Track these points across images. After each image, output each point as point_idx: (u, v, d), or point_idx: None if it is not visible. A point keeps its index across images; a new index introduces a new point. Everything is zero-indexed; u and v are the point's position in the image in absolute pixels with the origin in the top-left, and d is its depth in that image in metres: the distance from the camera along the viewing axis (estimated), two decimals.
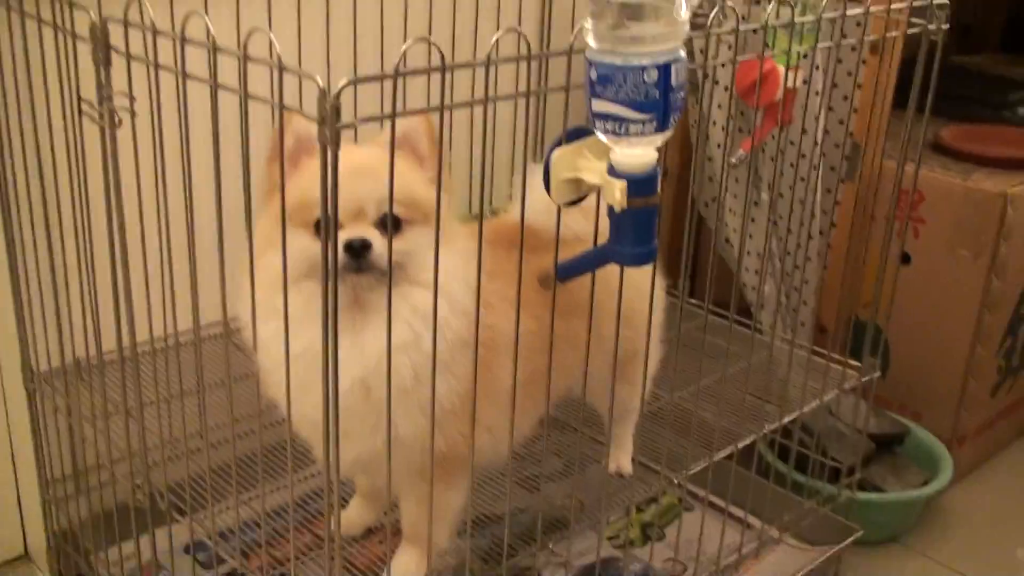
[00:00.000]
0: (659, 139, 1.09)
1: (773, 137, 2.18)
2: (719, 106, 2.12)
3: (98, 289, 1.47)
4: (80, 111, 1.27)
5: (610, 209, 1.14)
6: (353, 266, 1.16)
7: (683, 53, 1.06)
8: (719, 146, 2.17)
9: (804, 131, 2.13)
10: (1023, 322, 2.38)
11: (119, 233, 1.29)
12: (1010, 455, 2.59)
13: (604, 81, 1.06)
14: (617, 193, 1.10)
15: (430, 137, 1.22)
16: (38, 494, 1.89)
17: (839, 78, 2.15)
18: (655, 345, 1.63)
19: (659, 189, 1.13)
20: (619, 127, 1.07)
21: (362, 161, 1.17)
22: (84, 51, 1.22)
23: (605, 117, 1.08)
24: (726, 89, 2.10)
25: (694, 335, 2.03)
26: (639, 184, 1.11)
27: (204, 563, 1.84)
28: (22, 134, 1.53)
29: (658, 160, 1.12)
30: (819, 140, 2.15)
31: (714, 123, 2.12)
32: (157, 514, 1.52)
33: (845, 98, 2.15)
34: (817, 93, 2.10)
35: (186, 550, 1.83)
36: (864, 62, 2.11)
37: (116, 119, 1.22)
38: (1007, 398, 2.48)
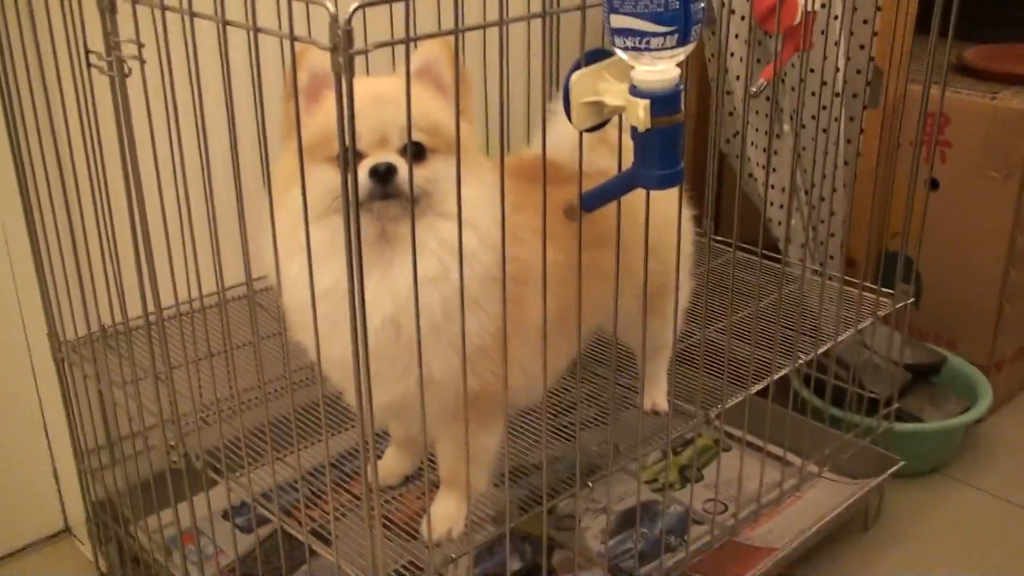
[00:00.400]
0: (681, 53, 1.06)
1: (793, 66, 2.14)
2: (736, 36, 2.08)
3: (119, 252, 1.46)
4: (88, 64, 1.25)
5: (634, 131, 1.11)
6: (379, 192, 1.14)
7: None
8: (738, 78, 2.13)
9: (824, 58, 2.08)
10: None
11: (136, 189, 1.27)
12: None
13: None
14: (640, 112, 1.07)
15: (452, 65, 1.19)
16: (74, 466, 1.89)
17: (858, 1, 2.10)
18: (685, 277, 1.60)
19: (683, 106, 1.10)
20: (640, 42, 1.04)
21: (383, 89, 1.15)
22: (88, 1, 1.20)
23: (625, 33, 1.05)
24: (743, 18, 2.06)
25: (722, 272, 2.01)
26: (663, 101, 1.08)
27: (243, 527, 1.84)
28: (32, 94, 1.51)
29: (680, 76, 1.09)
30: (840, 66, 2.10)
31: (732, 54, 2.08)
32: (194, 477, 1.52)
33: (865, 22, 2.10)
34: (836, 17, 2.05)
35: (224, 516, 1.82)
36: None
37: (125, 68, 1.20)
38: None
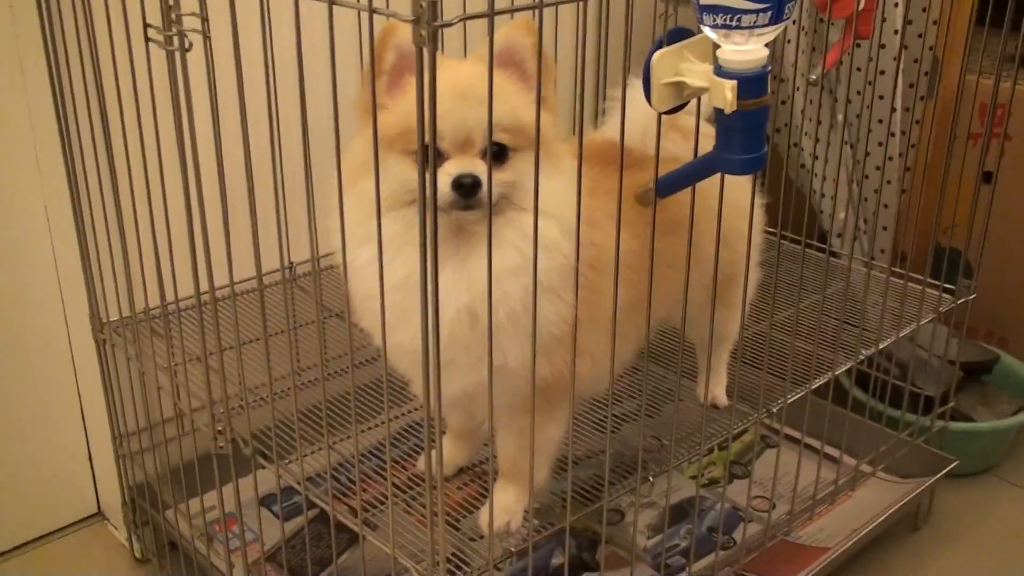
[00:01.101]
0: (771, 32, 1.02)
1: (850, 55, 2.09)
2: (793, 22, 2.02)
3: (171, 233, 1.42)
4: (147, 38, 1.21)
5: (718, 113, 1.06)
6: (461, 204, 1.11)
7: None
8: (793, 65, 2.08)
9: (882, 46, 2.03)
10: None
11: (194, 168, 1.23)
12: None
13: None
14: (728, 93, 1.02)
15: (534, 50, 1.14)
16: (110, 450, 1.86)
17: None
18: (754, 267, 1.56)
19: (769, 88, 1.06)
20: (731, 19, 1.00)
21: (468, 83, 1.10)
22: None
23: (715, 9, 1.00)
24: (800, 3, 2.01)
25: (781, 267, 1.96)
26: (750, 83, 1.03)
27: (278, 514, 1.81)
28: (83, 70, 1.47)
29: (768, 57, 1.04)
30: (899, 54, 2.05)
31: (788, 41, 2.03)
32: (237, 462, 1.48)
33: (924, 10, 2.05)
34: (896, 4, 2.00)
35: (261, 502, 1.79)
36: None
37: (187, 43, 1.15)
38: None
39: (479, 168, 1.11)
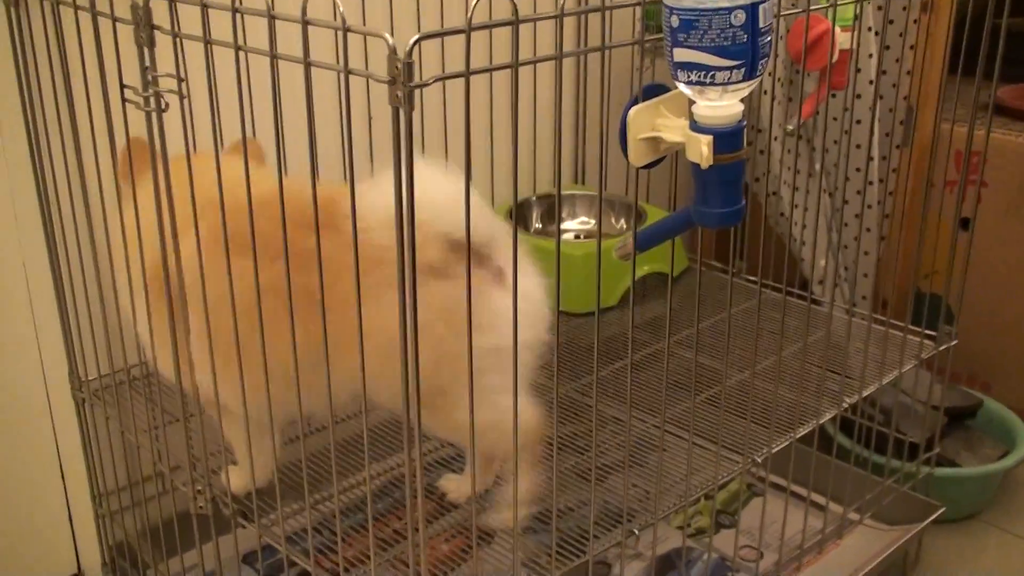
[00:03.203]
0: (746, 88, 1.03)
1: (825, 105, 2.12)
2: (769, 74, 2.05)
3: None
4: (124, 99, 1.21)
5: (695, 167, 1.07)
6: None
7: None
8: (770, 116, 2.10)
9: (858, 96, 2.06)
10: None
11: (171, 231, 1.23)
12: None
13: (687, 27, 0.99)
14: (704, 148, 1.03)
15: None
16: (91, 508, 1.84)
17: (890, 39, 2.07)
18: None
19: (746, 142, 1.06)
20: (705, 76, 1.00)
21: None
22: (125, 34, 1.16)
23: (689, 67, 1.01)
24: (776, 56, 2.03)
25: (754, 314, 1.96)
26: (726, 138, 1.04)
27: (267, 572, 1.78)
28: (60, 129, 1.47)
29: (744, 112, 1.05)
30: (874, 105, 2.08)
31: (765, 92, 2.05)
32: (221, 520, 1.46)
33: (897, 60, 2.08)
34: (870, 55, 2.03)
35: (244, 560, 1.77)
36: (916, 21, 2.04)
37: (163, 103, 1.16)
38: None
39: None
